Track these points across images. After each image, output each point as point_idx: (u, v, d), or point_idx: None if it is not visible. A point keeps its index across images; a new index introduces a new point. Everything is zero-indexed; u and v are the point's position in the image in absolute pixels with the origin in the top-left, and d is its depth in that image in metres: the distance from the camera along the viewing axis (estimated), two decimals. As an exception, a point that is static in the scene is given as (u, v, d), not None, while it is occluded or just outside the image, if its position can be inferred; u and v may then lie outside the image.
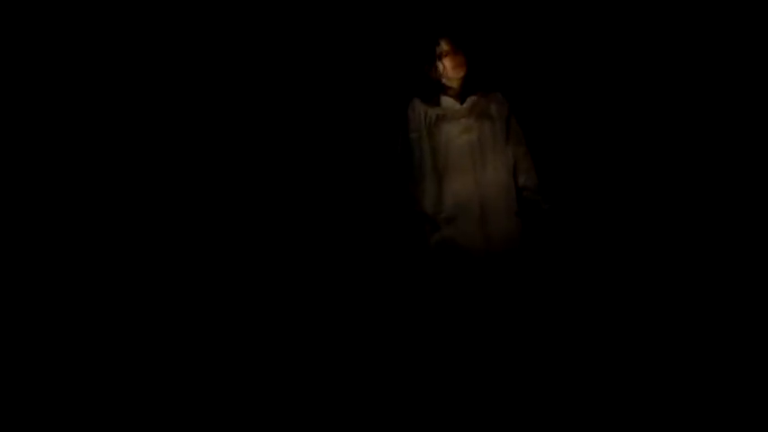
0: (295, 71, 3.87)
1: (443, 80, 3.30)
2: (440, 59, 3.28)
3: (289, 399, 3.29)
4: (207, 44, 3.76)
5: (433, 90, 3.33)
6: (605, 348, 3.46)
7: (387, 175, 3.34)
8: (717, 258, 3.70)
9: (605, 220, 3.83)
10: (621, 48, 3.85)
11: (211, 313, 3.65)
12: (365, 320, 3.67)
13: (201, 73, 3.78)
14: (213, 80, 3.78)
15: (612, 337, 3.51)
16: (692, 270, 3.71)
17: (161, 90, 3.72)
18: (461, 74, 3.29)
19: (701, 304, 3.60)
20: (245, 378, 3.42)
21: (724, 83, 3.76)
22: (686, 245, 3.75)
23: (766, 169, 3.71)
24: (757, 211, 3.70)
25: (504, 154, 3.31)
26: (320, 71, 3.88)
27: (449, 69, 3.28)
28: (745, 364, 3.28)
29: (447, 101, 3.33)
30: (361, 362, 3.50)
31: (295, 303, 3.72)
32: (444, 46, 3.28)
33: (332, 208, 3.84)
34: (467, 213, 3.23)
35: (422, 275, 3.29)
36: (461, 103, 3.32)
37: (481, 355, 3.18)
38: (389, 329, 3.56)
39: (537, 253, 3.34)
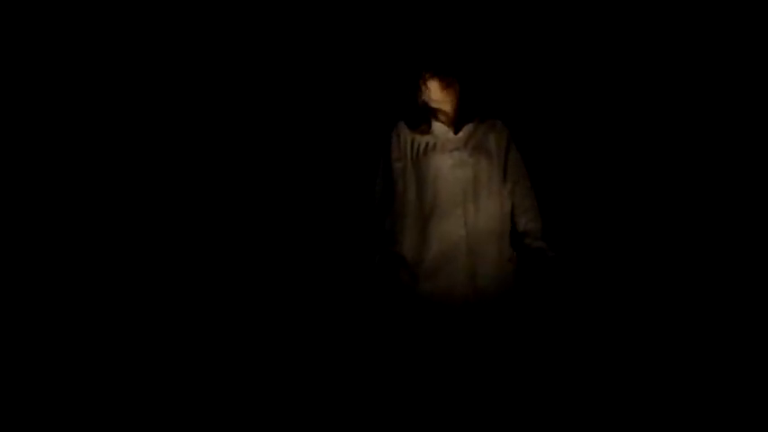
0: (275, 86, 3.66)
1: (432, 104, 2.86)
2: (425, 82, 2.85)
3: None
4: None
5: (424, 115, 2.87)
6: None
7: (363, 209, 2.91)
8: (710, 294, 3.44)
9: (613, 266, 3.46)
10: (627, 70, 3.55)
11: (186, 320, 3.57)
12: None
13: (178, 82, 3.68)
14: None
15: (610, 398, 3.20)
16: (689, 313, 3.41)
17: (145, 94, 3.63)
18: (450, 98, 2.85)
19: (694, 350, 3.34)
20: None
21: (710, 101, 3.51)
22: (684, 289, 3.45)
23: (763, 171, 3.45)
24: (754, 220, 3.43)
25: (501, 195, 2.85)
26: (301, 90, 3.65)
27: (435, 92, 2.85)
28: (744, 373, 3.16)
29: (439, 128, 2.87)
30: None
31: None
32: (432, 67, 2.83)
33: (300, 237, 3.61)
34: (452, 264, 2.78)
35: (392, 327, 2.83)
36: (456, 132, 2.86)
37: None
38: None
39: (536, 308, 2.93)
